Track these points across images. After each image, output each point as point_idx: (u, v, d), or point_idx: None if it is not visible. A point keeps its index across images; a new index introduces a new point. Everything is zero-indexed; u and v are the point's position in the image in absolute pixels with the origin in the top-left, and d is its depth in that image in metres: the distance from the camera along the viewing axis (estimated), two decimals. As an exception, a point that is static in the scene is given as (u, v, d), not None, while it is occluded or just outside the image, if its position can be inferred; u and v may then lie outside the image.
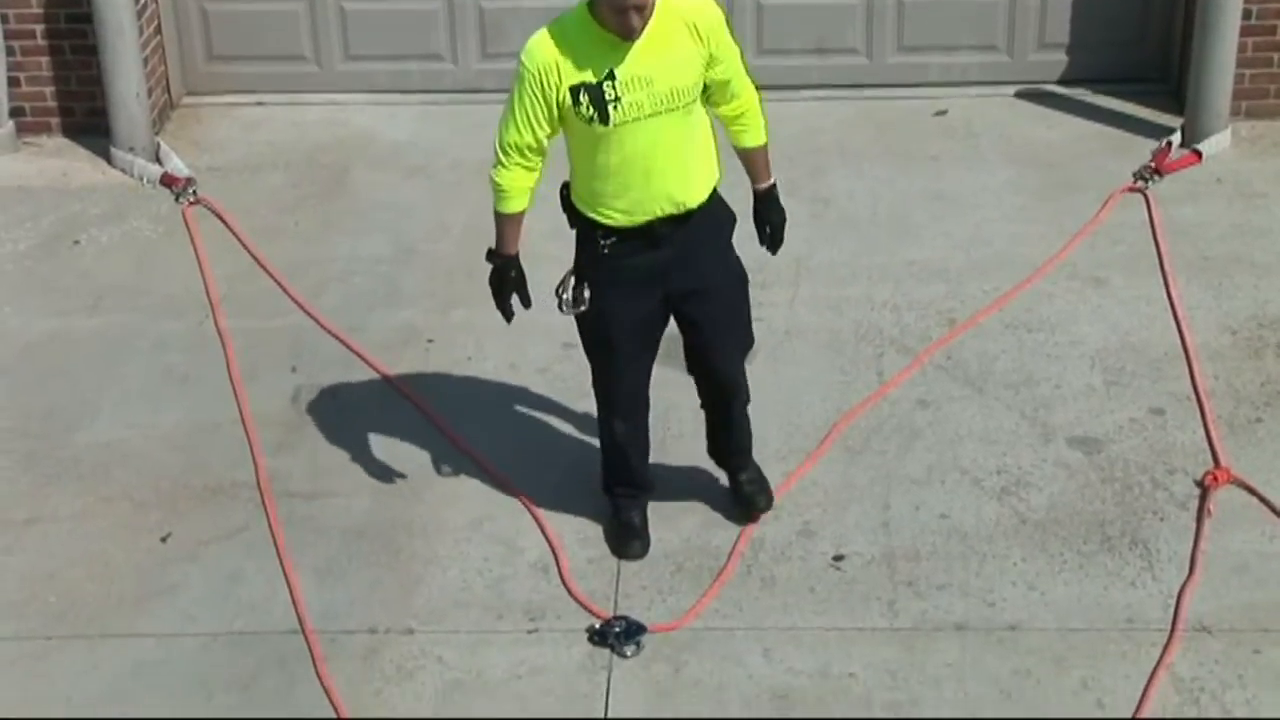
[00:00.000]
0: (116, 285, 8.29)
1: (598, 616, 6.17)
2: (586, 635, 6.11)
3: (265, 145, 9.54)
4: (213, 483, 6.95)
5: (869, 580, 6.35)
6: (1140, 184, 8.83)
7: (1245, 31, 8.97)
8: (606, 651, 6.04)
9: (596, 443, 6.60)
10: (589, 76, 5.76)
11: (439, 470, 7.00)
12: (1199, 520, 6.59)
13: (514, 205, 6.07)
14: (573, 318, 6.23)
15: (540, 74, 5.77)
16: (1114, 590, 6.28)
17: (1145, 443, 7.02)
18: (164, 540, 6.65)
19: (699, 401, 6.59)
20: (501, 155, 5.99)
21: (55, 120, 9.52)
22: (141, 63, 9.15)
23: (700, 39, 5.87)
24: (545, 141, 5.94)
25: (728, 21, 6.07)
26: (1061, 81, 9.81)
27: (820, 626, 6.11)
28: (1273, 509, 6.63)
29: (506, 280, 6.25)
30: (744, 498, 6.63)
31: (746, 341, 6.46)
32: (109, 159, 9.29)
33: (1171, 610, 6.17)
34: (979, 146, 9.36)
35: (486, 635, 6.16)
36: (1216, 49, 8.88)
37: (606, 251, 6.04)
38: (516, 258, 6.22)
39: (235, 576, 6.46)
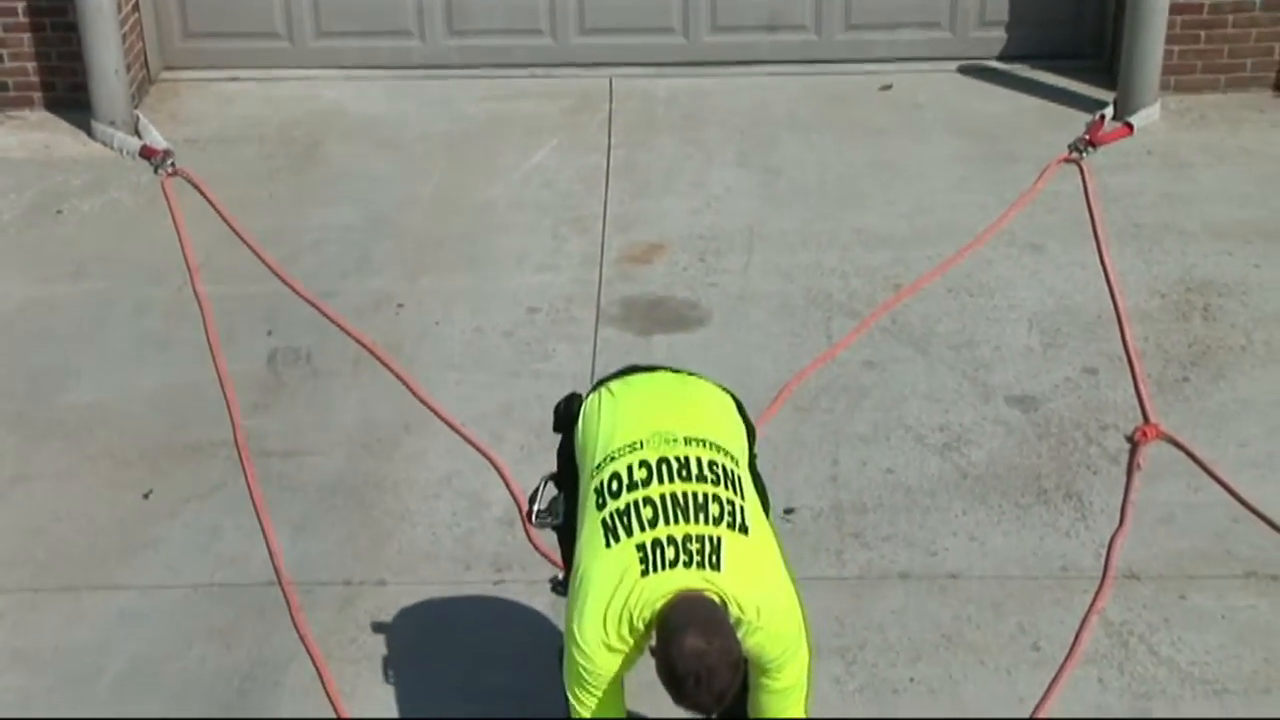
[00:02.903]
0: (98, 253, 8.30)
1: (559, 568, 6.11)
2: (550, 586, 6.18)
3: (240, 119, 9.48)
4: (192, 442, 7.00)
5: (818, 532, 6.44)
6: (1075, 155, 8.91)
7: (1174, 10, 9.03)
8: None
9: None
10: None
11: (409, 429, 7.05)
12: (1129, 474, 6.73)
13: None
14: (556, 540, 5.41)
15: (592, 664, 4.56)
16: (1049, 540, 6.42)
17: (1079, 400, 7.15)
18: (146, 497, 6.73)
19: None
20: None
21: (38, 95, 9.45)
22: (120, 39, 9.07)
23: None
24: (618, 677, 4.65)
25: None
26: (1001, 58, 9.84)
27: (771, 575, 6.26)
28: (1198, 462, 6.77)
29: None
30: None
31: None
32: (90, 132, 9.24)
33: (1103, 558, 6.31)
34: (923, 119, 9.39)
35: (455, 586, 6.25)
36: (1147, 27, 8.96)
37: None
38: None
39: (214, 531, 6.53)
